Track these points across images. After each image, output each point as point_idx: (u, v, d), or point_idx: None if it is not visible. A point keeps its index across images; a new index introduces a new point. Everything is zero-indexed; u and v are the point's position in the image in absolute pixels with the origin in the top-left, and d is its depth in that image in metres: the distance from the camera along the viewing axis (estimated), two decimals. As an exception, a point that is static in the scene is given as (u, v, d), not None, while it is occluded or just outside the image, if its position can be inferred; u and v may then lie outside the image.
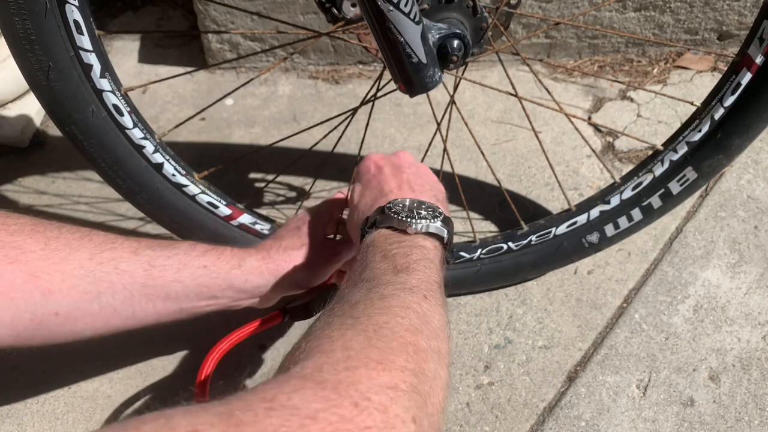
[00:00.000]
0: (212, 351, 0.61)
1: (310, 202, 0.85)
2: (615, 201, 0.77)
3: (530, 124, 0.76)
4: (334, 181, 0.97)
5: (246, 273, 0.61)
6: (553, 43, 1.10)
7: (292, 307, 0.66)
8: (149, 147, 0.68)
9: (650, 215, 0.77)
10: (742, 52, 0.64)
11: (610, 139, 1.01)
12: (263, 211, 0.84)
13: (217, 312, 0.63)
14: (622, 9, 1.05)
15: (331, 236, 0.71)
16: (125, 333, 0.81)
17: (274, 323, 0.66)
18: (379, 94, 0.72)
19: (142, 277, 0.55)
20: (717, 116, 0.68)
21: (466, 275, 0.81)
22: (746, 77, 0.64)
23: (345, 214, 0.71)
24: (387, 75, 0.59)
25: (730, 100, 0.66)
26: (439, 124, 0.74)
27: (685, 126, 0.71)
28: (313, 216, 0.68)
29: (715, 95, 0.67)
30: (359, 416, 0.30)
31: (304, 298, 0.67)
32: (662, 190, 0.74)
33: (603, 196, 0.78)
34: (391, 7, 0.49)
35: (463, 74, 0.72)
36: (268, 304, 0.66)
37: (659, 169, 0.74)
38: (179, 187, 0.72)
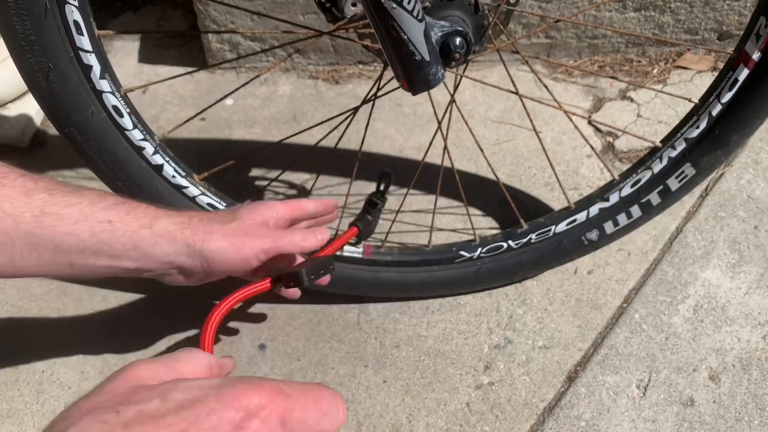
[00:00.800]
0: (207, 321, 0.54)
1: (310, 202, 0.84)
2: (614, 198, 0.77)
3: (531, 123, 0.77)
4: (334, 182, 0.97)
5: (156, 235, 0.54)
6: (553, 43, 1.10)
7: (284, 274, 0.61)
8: (149, 148, 0.68)
9: (649, 212, 0.77)
10: (738, 49, 0.64)
11: (610, 139, 1.01)
12: (263, 211, 0.84)
13: (120, 279, 0.55)
14: (622, 9, 1.05)
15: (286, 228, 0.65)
16: (126, 333, 0.81)
17: (263, 290, 0.60)
18: (379, 94, 0.72)
19: (30, 224, 0.49)
20: (714, 113, 0.68)
21: (466, 274, 0.81)
22: (743, 73, 0.64)
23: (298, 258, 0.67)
24: (387, 74, 0.59)
25: (727, 97, 0.67)
26: (440, 123, 0.74)
27: (683, 123, 0.71)
28: (262, 204, 0.64)
29: (713, 92, 0.68)
30: None
31: (297, 267, 0.62)
32: (661, 187, 0.74)
33: (602, 193, 0.78)
34: (395, 5, 0.49)
35: (464, 73, 0.72)
36: (192, 283, 0.59)
37: (658, 166, 0.74)
38: (179, 188, 0.72)
